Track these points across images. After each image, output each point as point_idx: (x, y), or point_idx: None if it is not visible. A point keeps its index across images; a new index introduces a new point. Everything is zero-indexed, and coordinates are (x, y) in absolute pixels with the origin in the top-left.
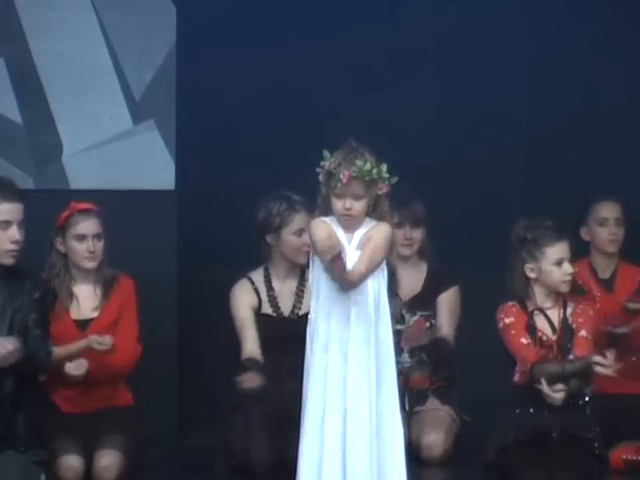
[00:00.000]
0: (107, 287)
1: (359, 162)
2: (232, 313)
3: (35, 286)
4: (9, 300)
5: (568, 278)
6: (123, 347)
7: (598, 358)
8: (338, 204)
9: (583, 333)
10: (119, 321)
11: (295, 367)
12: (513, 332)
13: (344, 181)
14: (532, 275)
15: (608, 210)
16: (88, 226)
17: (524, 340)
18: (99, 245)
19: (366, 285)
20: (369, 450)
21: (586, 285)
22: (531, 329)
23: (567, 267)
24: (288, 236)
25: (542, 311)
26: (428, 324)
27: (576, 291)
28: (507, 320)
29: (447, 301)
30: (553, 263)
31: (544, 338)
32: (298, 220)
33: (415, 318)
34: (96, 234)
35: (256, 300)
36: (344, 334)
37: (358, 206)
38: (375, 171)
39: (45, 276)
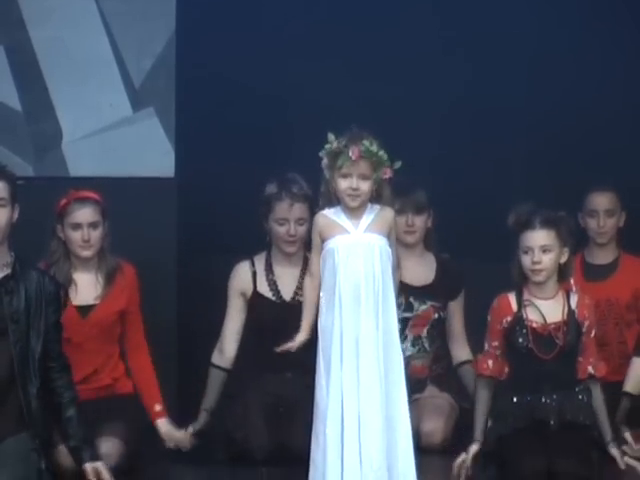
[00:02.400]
0: (110, 275)
1: (366, 142)
2: (227, 292)
3: (48, 288)
4: (22, 302)
5: (534, 267)
6: (141, 348)
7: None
8: (344, 184)
9: (593, 332)
10: (128, 319)
11: (295, 355)
12: (487, 333)
13: (353, 157)
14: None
15: (598, 202)
16: (83, 215)
17: (486, 345)
18: (95, 234)
19: (373, 273)
20: (381, 436)
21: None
22: (519, 321)
23: (534, 256)
24: (272, 223)
25: (532, 301)
26: (437, 315)
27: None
28: (489, 317)
29: (459, 309)
30: (522, 251)
31: (534, 325)
32: (280, 209)
33: (425, 307)
34: (91, 223)
35: (251, 283)
36: (356, 323)
37: (365, 186)
38: (381, 152)
39: (45, 262)
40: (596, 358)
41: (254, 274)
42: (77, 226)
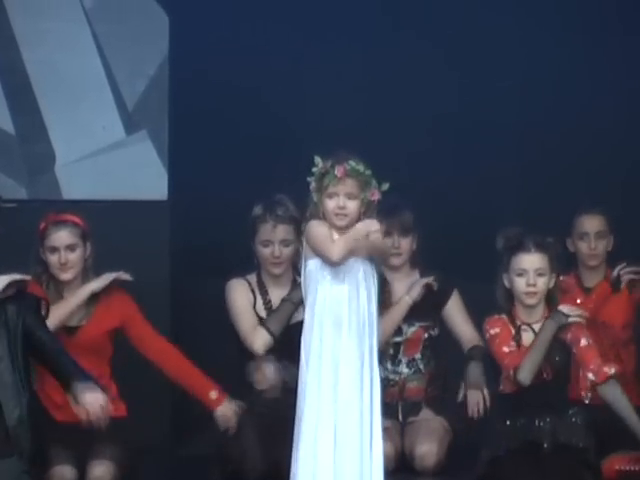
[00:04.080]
0: (93, 296)
1: (352, 162)
2: (229, 304)
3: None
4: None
5: (529, 290)
6: (167, 349)
7: None
8: (331, 204)
9: (583, 342)
10: (134, 333)
11: (287, 376)
12: (497, 341)
13: (339, 176)
14: (507, 284)
15: (589, 224)
16: (59, 238)
17: (506, 348)
18: (72, 256)
19: (357, 293)
20: (360, 460)
21: (569, 291)
22: (517, 344)
23: (529, 279)
24: (257, 245)
25: (530, 326)
26: (427, 335)
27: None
28: (492, 331)
29: (456, 308)
30: (516, 274)
31: None
32: (264, 231)
33: (414, 329)
34: (68, 245)
35: (252, 299)
36: (337, 343)
37: (352, 205)
38: (368, 172)
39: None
40: (597, 363)
41: (253, 292)
42: (54, 249)
